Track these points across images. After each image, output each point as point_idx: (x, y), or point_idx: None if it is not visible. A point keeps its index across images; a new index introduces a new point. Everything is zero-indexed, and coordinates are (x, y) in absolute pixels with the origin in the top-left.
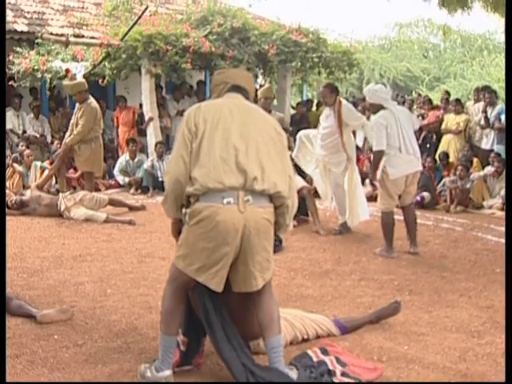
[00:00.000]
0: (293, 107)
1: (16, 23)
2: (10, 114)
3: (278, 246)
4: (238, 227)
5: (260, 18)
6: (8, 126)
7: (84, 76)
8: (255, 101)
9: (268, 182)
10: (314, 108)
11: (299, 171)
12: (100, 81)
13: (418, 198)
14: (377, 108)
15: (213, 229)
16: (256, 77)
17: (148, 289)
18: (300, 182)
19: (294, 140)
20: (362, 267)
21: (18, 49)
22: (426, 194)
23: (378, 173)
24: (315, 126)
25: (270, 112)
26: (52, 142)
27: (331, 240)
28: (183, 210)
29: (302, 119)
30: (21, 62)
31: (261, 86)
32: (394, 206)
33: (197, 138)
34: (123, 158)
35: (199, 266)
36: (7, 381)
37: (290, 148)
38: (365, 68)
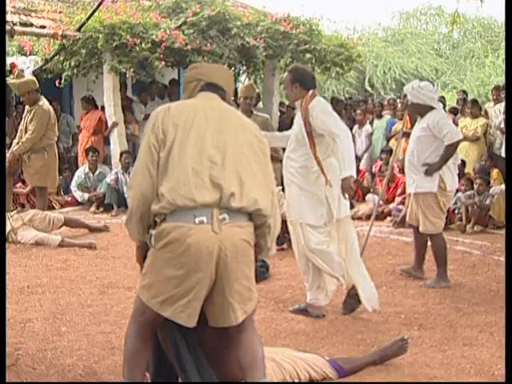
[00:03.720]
0: (281, 110)
1: None
2: None
3: (263, 272)
4: (213, 250)
5: (243, 6)
6: None
7: (34, 73)
8: (236, 102)
9: (247, 198)
10: None
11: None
12: (57, 81)
13: None
14: (424, 110)
15: (183, 253)
16: (238, 74)
17: (110, 325)
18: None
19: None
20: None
21: None
22: None
23: (425, 185)
24: None
25: (250, 114)
26: None
27: None
28: (149, 232)
29: (292, 123)
30: None
31: None
32: (442, 226)
33: (165, 147)
34: (82, 171)
35: (165, 298)
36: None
37: (274, 158)
38: (367, 64)
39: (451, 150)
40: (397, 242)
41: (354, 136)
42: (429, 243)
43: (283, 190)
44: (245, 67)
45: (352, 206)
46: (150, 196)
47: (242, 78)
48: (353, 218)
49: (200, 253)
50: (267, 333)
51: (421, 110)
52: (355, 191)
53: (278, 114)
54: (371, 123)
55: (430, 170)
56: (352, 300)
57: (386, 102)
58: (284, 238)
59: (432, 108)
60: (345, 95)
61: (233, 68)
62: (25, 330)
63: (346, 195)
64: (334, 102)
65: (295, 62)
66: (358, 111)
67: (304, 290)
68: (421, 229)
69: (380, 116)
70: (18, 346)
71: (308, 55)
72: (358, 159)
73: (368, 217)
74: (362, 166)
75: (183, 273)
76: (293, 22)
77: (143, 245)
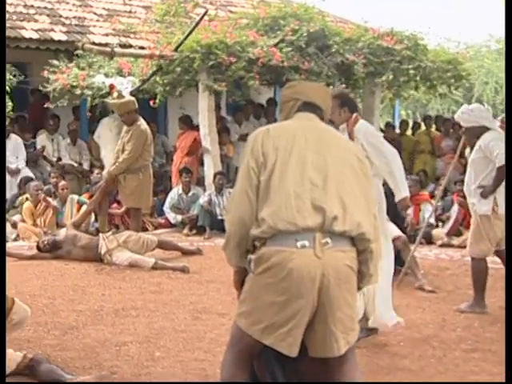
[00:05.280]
0: (382, 130)
1: (53, 31)
2: (43, 138)
3: None
4: (315, 276)
5: (342, 21)
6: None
7: (131, 93)
8: (331, 122)
9: (350, 221)
10: (409, 131)
11: (394, 216)
12: (151, 101)
13: None
14: (479, 132)
15: (284, 278)
16: None
17: (204, 352)
18: (394, 231)
19: None
20: (474, 334)
21: (55, 61)
22: None
23: (482, 208)
24: (410, 154)
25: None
26: (92, 172)
27: (432, 297)
28: (248, 257)
29: (393, 145)
30: (57, 77)
31: None
32: (491, 251)
33: (266, 171)
34: (175, 192)
35: (266, 325)
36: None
37: None
38: (476, 81)
39: (503, 171)
40: None
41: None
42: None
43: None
44: (344, 85)
45: (460, 233)
46: (248, 221)
47: None
48: (461, 247)
49: (302, 278)
50: (368, 368)
51: (476, 133)
52: (463, 217)
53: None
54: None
55: (485, 192)
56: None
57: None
58: None
59: (488, 129)
60: (450, 114)
61: (331, 86)
62: (120, 354)
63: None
64: (440, 121)
65: (398, 79)
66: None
67: (407, 323)
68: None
69: None
70: (114, 369)
71: (411, 72)
72: None
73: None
74: None
75: (284, 299)
76: (396, 36)
77: (241, 270)
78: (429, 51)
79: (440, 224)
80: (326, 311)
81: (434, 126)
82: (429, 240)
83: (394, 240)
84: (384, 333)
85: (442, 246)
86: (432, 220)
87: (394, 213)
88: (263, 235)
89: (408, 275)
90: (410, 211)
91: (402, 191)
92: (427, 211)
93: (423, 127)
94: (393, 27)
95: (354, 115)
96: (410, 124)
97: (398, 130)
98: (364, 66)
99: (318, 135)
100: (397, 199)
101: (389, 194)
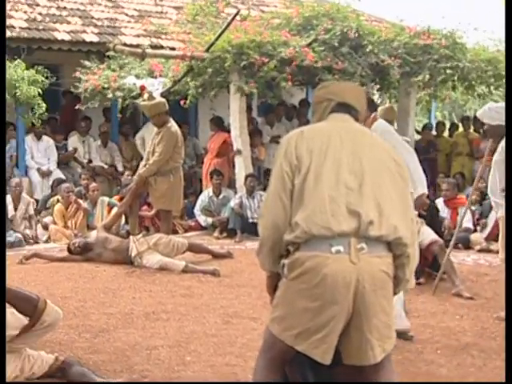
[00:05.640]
0: (417, 131)
1: (85, 32)
2: (74, 140)
3: None
4: (350, 282)
5: (377, 21)
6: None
7: (162, 94)
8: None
9: (387, 226)
10: (446, 133)
11: (431, 220)
12: (182, 102)
13: None
14: (503, 131)
15: (318, 284)
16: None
17: (236, 357)
18: (430, 235)
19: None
20: None
21: (87, 62)
22: None
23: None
24: (447, 156)
25: None
26: (122, 174)
27: (470, 304)
28: (281, 261)
29: (429, 147)
30: (89, 78)
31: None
32: None
33: (300, 174)
34: (206, 194)
35: (300, 331)
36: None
37: None
38: None
39: None
40: None
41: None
42: None
43: (419, 215)
44: (378, 86)
45: None
46: (281, 225)
47: (375, 97)
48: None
49: (336, 284)
50: (404, 376)
51: (502, 132)
52: None
53: (414, 136)
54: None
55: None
56: None
57: None
58: (421, 272)
59: None
60: None
61: (365, 87)
62: (150, 358)
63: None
64: (479, 123)
65: (434, 79)
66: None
67: (444, 331)
68: (499, 257)
69: None
70: (145, 373)
71: (449, 71)
72: None
73: None
74: None
75: (318, 305)
76: (433, 35)
77: (274, 274)
78: (468, 50)
79: (478, 229)
80: (361, 318)
81: (472, 128)
82: (467, 245)
83: (430, 244)
84: (420, 340)
85: (480, 251)
86: (469, 224)
87: (431, 216)
88: (297, 240)
89: (445, 281)
90: (447, 215)
91: (419, 187)
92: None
93: (461, 128)
94: (430, 25)
95: (373, 114)
96: (447, 125)
97: (434, 132)
98: (399, 66)
99: (354, 137)
100: (415, 195)
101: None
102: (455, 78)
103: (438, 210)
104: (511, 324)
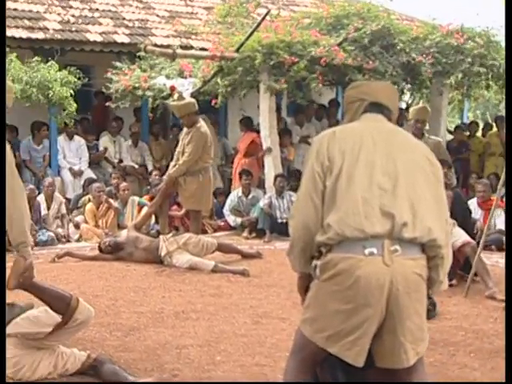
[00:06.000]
0: (449, 131)
1: (116, 34)
2: (105, 140)
3: (430, 310)
4: (384, 284)
5: (409, 19)
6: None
7: (192, 94)
8: (398, 123)
9: (421, 227)
10: (479, 133)
11: (463, 221)
12: (213, 102)
13: None
14: None
15: (351, 286)
16: (402, 93)
17: (265, 357)
18: (462, 237)
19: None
20: None
21: (118, 63)
22: None
23: None
24: (480, 156)
25: (421, 137)
26: (151, 173)
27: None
28: (313, 263)
29: (462, 147)
30: (120, 79)
31: (407, 106)
32: None
33: (331, 175)
34: (235, 194)
35: (331, 333)
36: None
37: (448, 185)
38: None
39: None
40: None
41: None
42: None
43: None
44: (409, 85)
45: None
46: (312, 226)
47: (406, 97)
48: None
49: (370, 286)
50: (436, 379)
51: None
52: None
53: (446, 136)
54: None
55: None
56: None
57: None
58: (454, 274)
59: None
60: None
61: (396, 86)
62: (180, 357)
63: None
64: None
65: (468, 78)
66: None
67: (477, 334)
68: None
69: None
70: (175, 372)
71: (482, 70)
72: None
73: None
74: None
75: (351, 307)
76: (467, 34)
77: (305, 275)
78: (502, 48)
79: None
80: (394, 321)
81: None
82: (500, 247)
83: (462, 246)
84: (453, 343)
85: None
86: (503, 226)
87: (463, 218)
88: (329, 242)
89: (478, 283)
90: (480, 216)
91: None
92: (498, 217)
93: (495, 128)
94: (463, 24)
95: None
96: (481, 125)
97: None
98: (431, 66)
99: (387, 137)
100: None
101: (459, 198)
102: (489, 76)
103: (470, 212)
104: (511, 324)
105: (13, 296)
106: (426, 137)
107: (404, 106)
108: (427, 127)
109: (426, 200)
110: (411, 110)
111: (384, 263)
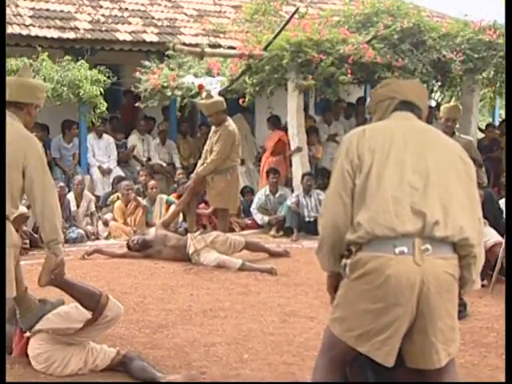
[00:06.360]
0: (481, 130)
1: (145, 33)
2: (134, 138)
3: (460, 311)
4: (414, 283)
5: (439, 16)
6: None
7: (220, 93)
8: (427, 121)
9: (453, 226)
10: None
11: (494, 220)
12: (241, 100)
13: None
14: None
15: (381, 285)
16: (432, 91)
17: (293, 356)
18: (493, 237)
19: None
20: None
21: (147, 62)
22: None
23: None
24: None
25: (453, 135)
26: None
27: None
28: (342, 261)
29: (493, 146)
30: (148, 78)
31: (437, 104)
32: None
33: (361, 173)
34: (262, 193)
35: (361, 333)
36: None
37: (479, 184)
38: None
39: None
40: None
41: None
42: None
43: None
44: (439, 83)
45: None
46: (342, 225)
47: (436, 95)
48: None
49: (400, 285)
50: (467, 380)
51: None
52: None
53: (477, 134)
54: None
55: None
56: None
57: None
58: (485, 274)
59: None
60: None
61: (426, 84)
62: (208, 354)
63: None
64: None
65: (499, 75)
66: None
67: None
68: None
69: None
70: (203, 370)
71: None
72: None
73: None
74: None
75: (381, 306)
76: (499, 30)
77: (334, 274)
78: None
79: None
80: (425, 321)
81: None
82: None
83: (493, 246)
84: (484, 344)
85: None
86: None
87: (495, 218)
88: (359, 240)
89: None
90: None
91: None
92: None
93: None
94: (496, 20)
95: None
96: None
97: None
98: (462, 62)
99: (418, 135)
100: None
101: (490, 198)
102: None
103: (502, 211)
104: (511, 324)
105: (44, 292)
106: (456, 136)
107: (434, 104)
108: (457, 125)
109: (459, 199)
110: (442, 108)
111: (415, 262)
